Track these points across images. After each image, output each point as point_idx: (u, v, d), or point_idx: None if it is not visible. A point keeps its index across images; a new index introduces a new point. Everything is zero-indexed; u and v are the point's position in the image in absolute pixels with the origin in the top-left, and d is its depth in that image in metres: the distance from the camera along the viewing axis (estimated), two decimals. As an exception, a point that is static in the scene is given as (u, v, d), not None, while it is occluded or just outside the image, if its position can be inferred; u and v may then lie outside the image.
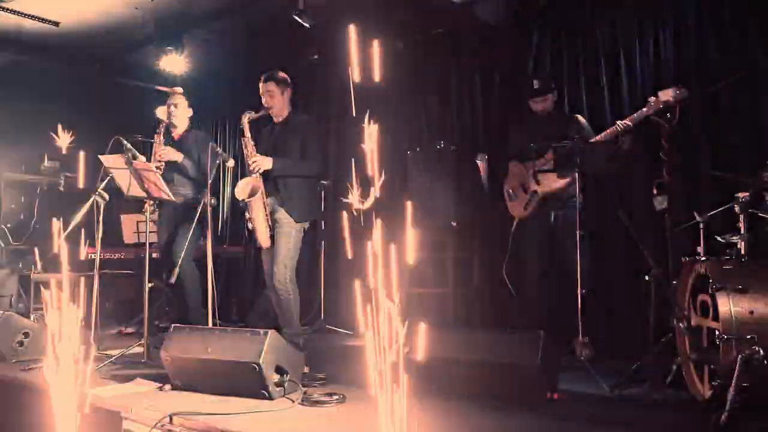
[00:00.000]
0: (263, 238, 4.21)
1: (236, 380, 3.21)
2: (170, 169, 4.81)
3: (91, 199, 4.04)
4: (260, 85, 4.33)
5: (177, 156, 4.79)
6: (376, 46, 2.12)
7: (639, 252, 3.64)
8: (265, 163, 4.19)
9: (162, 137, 4.85)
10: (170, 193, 4.39)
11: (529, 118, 4.59)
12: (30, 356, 4.11)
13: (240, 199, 4.19)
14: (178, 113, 4.99)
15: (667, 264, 3.63)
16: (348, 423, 2.79)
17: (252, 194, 4.14)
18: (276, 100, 4.30)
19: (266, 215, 4.18)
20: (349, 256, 1.99)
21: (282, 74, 4.36)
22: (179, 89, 5.13)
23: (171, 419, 2.86)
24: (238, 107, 4.63)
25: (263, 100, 4.31)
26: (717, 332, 2.75)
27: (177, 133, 5.03)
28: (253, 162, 4.20)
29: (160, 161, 4.72)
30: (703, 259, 3.08)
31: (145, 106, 6.65)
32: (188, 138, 5.01)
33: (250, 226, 4.26)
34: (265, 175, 4.21)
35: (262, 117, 4.35)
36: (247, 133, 4.24)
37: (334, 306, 5.87)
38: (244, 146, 4.26)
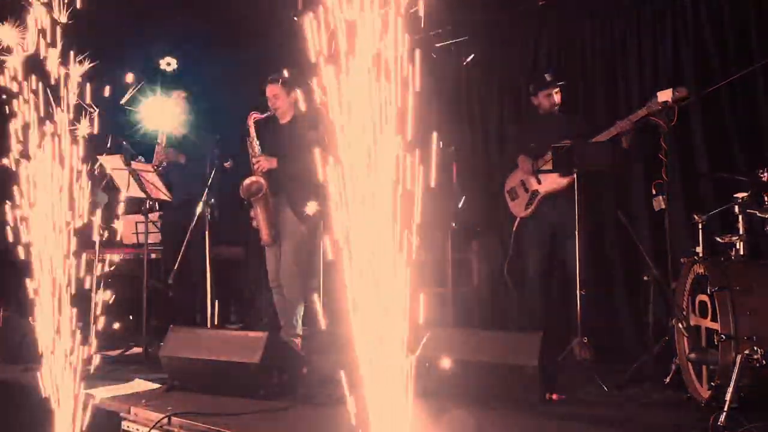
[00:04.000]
0: (266, 237, 4.24)
1: (235, 380, 3.21)
2: (170, 169, 4.81)
3: (89, 200, 4.04)
4: (267, 87, 4.35)
5: (180, 157, 4.78)
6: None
7: (638, 252, 3.64)
8: (270, 163, 4.22)
9: (164, 139, 4.84)
10: (169, 194, 4.40)
11: (533, 116, 4.58)
12: (30, 356, 4.10)
13: (244, 198, 4.22)
14: (180, 115, 4.99)
15: (666, 264, 3.63)
16: (347, 423, 2.78)
17: (255, 193, 4.17)
18: (281, 102, 4.31)
19: (270, 214, 4.21)
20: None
21: (287, 76, 4.37)
22: (181, 91, 5.13)
23: (170, 420, 2.86)
24: (241, 107, 4.63)
25: (269, 102, 4.33)
26: (716, 332, 2.75)
27: (178, 133, 5.03)
28: (257, 162, 4.23)
29: (161, 163, 4.71)
30: (702, 259, 3.09)
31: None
32: (190, 138, 5.01)
33: (254, 224, 4.29)
34: (270, 175, 4.23)
35: (267, 118, 4.36)
36: (252, 134, 4.28)
37: (334, 305, 5.85)
38: (249, 146, 4.29)
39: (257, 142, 4.27)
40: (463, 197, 4.88)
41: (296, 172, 4.18)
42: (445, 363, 2.75)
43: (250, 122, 4.26)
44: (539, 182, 4.35)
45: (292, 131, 4.33)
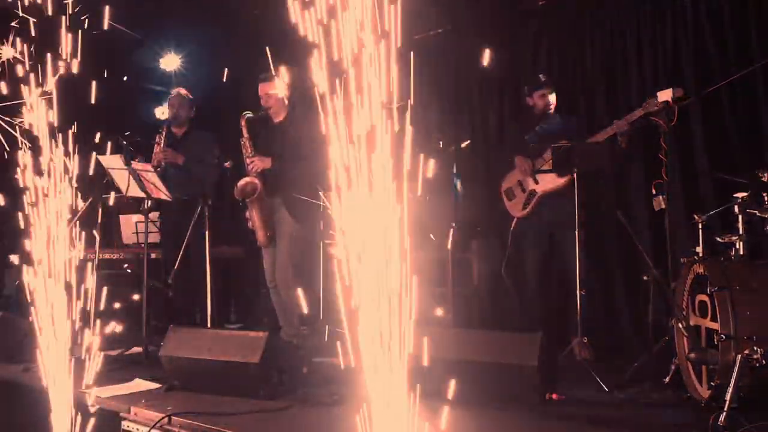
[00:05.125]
0: (262, 238, 4.23)
1: (235, 380, 3.21)
2: (170, 169, 4.81)
3: (89, 200, 4.04)
4: (259, 86, 4.34)
5: (178, 158, 4.78)
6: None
7: (638, 252, 3.64)
8: (264, 163, 4.21)
9: (164, 138, 4.84)
10: (169, 194, 4.40)
11: (529, 117, 4.59)
12: (29, 356, 4.10)
13: (239, 199, 4.21)
14: (181, 113, 5.00)
15: (666, 264, 3.63)
16: (346, 423, 2.78)
17: (251, 194, 4.16)
18: (274, 101, 4.31)
19: (265, 215, 4.20)
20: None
21: (281, 74, 4.36)
22: (182, 89, 5.14)
23: (170, 419, 2.86)
24: (238, 107, 4.63)
25: (261, 101, 4.32)
26: (716, 332, 2.75)
27: (179, 133, 5.03)
28: (251, 162, 4.22)
29: (159, 163, 4.71)
30: (702, 259, 3.08)
31: (144, 105, 6.66)
32: (191, 138, 5.01)
33: (250, 225, 4.28)
34: (264, 175, 4.22)
35: (260, 117, 4.36)
36: (246, 134, 4.26)
37: (333, 306, 5.86)
38: (242, 147, 4.28)
39: (251, 143, 4.26)
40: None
41: (291, 171, 4.18)
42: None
43: (242, 122, 4.26)
44: (536, 182, 4.36)
45: (285, 130, 4.32)
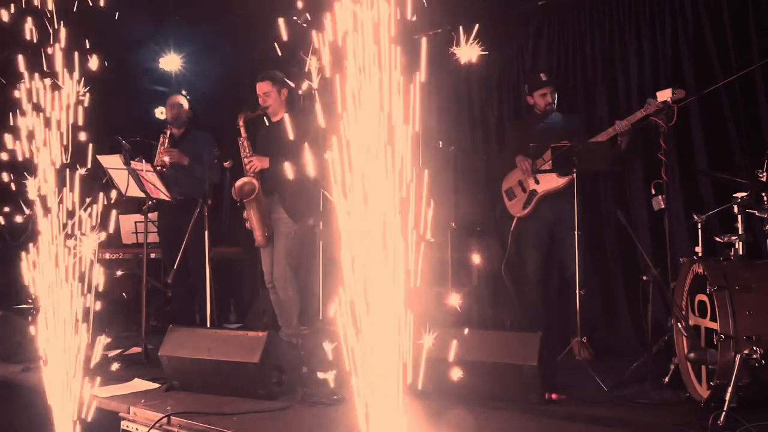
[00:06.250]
0: (260, 238, 4.22)
1: (234, 380, 3.21)
2: (170, 169, 4.80)
3: (89, 199, 4.04)
4: (256, 85, 4.34)
5: (183, 159, 4.77)
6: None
7: (638, 252, 3.64)
8: (262, 162, 4.20)
9: (168, 139, 4.84)
10: (168, 194, 4.40)
11: (530, 116, 4.60)
12: (29, 356, 4.10)
13: (237, 199, 4.20)
14: (182, 114, 4.99)
15: (665, 264, 3.63)
16: (346, 423, 2.79)
17: (248, 194, 4.16)
18: (272, 100, 4.30)
19: (263, 215, 4.19)
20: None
21: (278, 74, 4.36)
22: (180, 90, 5.14)
23: (169, 419, 2.87)
24: (236, 107, 4.63)
25: (259, 100, 4.31)
26: (715, 332, 2.75)
27: (178, 133, 5.03)
28: (249, 162, 4.22)
29: (163, 163, 4.69)
30: (701, 258, 3.09)
31: (143, 106, 6.65)
32: (189, 138, 5.01)
33: (248, 225, 4.28)
34: (262, 175, 4.22)
35: (258, 117, 4.35)
36: (243, 134, 4.26)
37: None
38: (240, 146, 4.27)
39: (248, 142, 4.26)
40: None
41: (287, 171, 4.17)
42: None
43: (240, 122, 4.26)
44: (537, 182, 4.36)
45: (283, 130, 4.31)
